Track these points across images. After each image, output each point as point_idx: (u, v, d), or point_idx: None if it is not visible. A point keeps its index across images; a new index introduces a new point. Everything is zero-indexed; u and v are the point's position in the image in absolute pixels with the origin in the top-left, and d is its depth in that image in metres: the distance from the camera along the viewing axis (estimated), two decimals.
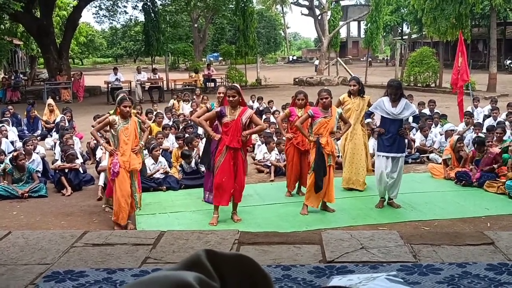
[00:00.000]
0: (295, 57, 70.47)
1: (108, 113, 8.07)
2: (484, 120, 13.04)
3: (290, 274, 2.96)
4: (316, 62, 35.13)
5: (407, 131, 8.39)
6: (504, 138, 9.90)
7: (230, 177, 6.99)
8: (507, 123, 11.88)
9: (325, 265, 3.12)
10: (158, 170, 9.25)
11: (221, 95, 7.75)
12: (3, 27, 30.71)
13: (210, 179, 7.78)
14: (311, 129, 7.48)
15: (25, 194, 8.63)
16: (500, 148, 9.12)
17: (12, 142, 11.75)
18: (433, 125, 12.26)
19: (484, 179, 8.70)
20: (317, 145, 7.27)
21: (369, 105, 8.57)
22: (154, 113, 13.31)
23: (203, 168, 9.00)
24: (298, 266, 3.07)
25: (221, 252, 1.06)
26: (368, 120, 8.18)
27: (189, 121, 12.34)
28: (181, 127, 12.27)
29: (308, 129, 7.56)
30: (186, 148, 9.85)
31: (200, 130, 11.79)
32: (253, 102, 17.12)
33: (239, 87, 7.30)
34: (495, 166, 8.80)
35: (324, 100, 7.39)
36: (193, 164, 9.56)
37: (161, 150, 9.99)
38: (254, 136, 10.26)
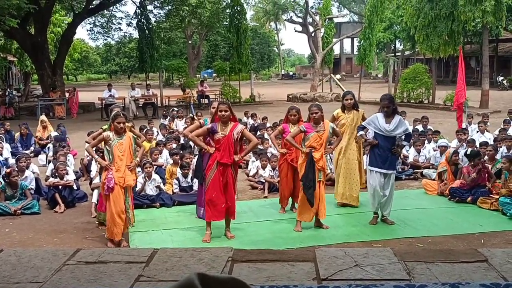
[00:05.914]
0: (291, 73, 70.79)
1: (101, 128, 8.06)
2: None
3: None
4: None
5: (400, 150, 8.34)
6: (497, 157, 9.93)
7: (220, 192, 6.99)
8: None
9: (318, 286, 3.11)
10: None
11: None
12: None
13: (203, 194, 7.77)
14: (303, 144, 7.48)
15: (17, 211, 8.57)
16: (492, 168, 9.15)
17: (5, 159, 11.69)
18: (426, 142, 12.30)
19: (478, 196, 8.72)
20: (309, 157, 7.29)
21: (363, 118, 8.53)
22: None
23: (195, 187, 9.01)
24: (291, 287, 3.05)
25: (213, 275, 1.07)
26: (361, 132, 7.98)
27: (184, 139, 12.32)
28: (174, 144, 12.23)
29: (301, 144, 7.55)
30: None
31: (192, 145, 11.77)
32: (247, 118, 17.08)
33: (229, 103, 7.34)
34: (489, 185, 8.81)
35: (314, 114, 7.41)
36: (189, 178, 9.55)
37: (155, 167, 9.99)
38: None
